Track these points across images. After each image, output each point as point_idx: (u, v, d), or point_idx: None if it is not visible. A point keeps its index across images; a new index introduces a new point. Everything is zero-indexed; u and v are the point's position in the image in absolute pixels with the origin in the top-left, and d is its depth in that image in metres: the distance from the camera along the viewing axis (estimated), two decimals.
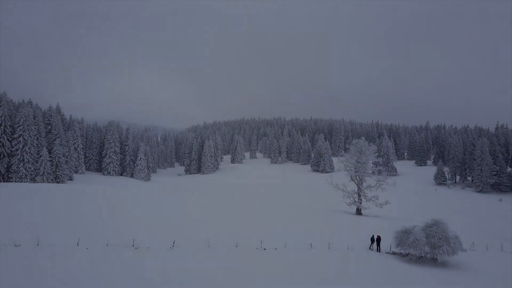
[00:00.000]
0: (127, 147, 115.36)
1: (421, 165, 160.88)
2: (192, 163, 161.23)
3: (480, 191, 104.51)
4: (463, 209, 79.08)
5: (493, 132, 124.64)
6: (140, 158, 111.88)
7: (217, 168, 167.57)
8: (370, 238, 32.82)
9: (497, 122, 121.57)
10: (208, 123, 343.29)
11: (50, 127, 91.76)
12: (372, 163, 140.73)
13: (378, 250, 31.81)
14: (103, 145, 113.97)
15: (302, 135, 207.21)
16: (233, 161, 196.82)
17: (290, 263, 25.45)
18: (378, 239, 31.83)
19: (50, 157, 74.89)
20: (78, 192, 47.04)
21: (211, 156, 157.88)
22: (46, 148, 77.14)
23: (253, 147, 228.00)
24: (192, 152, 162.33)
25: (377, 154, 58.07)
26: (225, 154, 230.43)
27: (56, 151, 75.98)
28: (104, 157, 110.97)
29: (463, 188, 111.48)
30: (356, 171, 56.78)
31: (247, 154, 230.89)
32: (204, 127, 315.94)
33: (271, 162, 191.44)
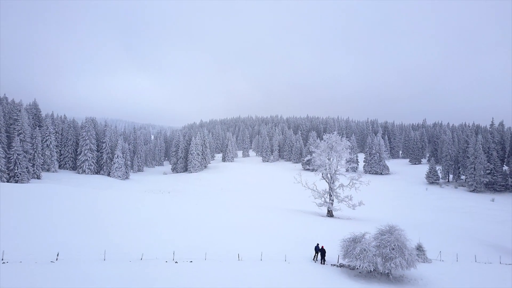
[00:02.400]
0: (104, 144, 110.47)
1: (415, 164, 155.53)
2: (179, 161, 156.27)
3: (473, 191, 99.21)
4: (451, 210, 73.91)
5: (489, 129, 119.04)
6: (118, 156, 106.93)
7: (205, 166, 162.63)
8: (314, 248, 27.69)
9: (492, 118, 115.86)
10: (205, 122, 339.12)
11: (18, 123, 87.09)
12: (363, 161, 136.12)
13: (323, 262, 26.71)
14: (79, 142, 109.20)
15: (295, 133, 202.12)
16: (224, 159, 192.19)
17: (195, 281, 20.40)
18: (323, 249, 26.75)
19: (7, 154, 70.15)
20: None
21: (198, 154, 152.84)
22: (6, 144, 72.42)
23: (246, 145, 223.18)
24: (178, 150, 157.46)
25: (349, 150, 52.78)
26: (219, 153, 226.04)
27: (15, 148, 71.21)
28: (79, 154, 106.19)
29: (456, 188, 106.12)
30: (326, 169, 51.70)
31: (240, 153, 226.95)
32: (200, 125, 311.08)
33: (263, 161, 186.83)
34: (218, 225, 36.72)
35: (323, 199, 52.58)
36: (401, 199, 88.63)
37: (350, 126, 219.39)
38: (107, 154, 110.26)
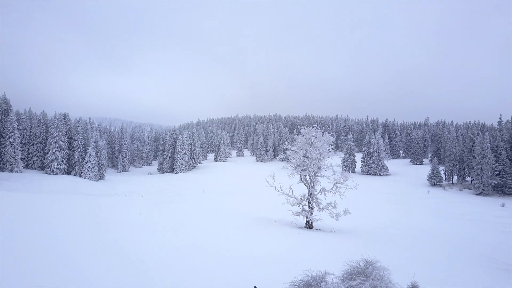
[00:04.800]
0: (76, 142, 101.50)
1: (416, 164, 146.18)
2: (165, 161, 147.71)
3: (480, 194, 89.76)
4: (456, 216, 64.37)
5: (496, 126, 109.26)
6: (90, 155, 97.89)
7: (194, 166, 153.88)
8: None
9: (500, 115, 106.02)
10: (202, 120, 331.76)
11: None
12: (361, 161, 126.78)
13: None
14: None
15: (291, 132, 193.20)
16: (216, 159, 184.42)
17: None
18: None
19: None
20: None
21: (185, 154, 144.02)
22: None
23: (240, 144, 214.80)
24: (165, 149, 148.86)
25: (333, 147, 43.51)
26: (213, 152, 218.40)
27: None
28: (47, 153, 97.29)
29: (461, 190, 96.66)
30: (303, 170, 42.46)
31: (235, 152, 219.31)
32: (197, 124, 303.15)
33: (256, 161, 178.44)
34: (133, 245, 26.98)
35: (300, 206, 43.36)
36: (400, 203, 79.24)
37: (349, 124, 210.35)
38: (79, 152, 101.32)
